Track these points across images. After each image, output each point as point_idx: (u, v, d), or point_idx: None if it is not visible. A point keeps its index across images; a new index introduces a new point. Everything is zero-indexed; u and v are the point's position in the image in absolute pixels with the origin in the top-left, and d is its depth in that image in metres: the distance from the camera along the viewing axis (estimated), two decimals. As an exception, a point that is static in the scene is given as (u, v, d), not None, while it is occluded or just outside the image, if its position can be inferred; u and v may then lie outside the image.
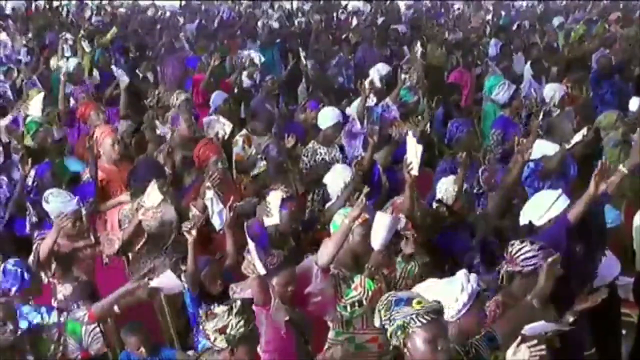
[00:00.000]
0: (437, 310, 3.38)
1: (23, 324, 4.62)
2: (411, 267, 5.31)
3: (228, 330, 3.88)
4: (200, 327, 4.04)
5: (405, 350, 3.36)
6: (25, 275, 5.05)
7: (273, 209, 5.92)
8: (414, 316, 3.32)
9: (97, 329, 4.70)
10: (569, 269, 4.57)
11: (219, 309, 3.93)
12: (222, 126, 8.01)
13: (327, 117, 8.07)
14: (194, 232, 5.29)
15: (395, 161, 7.43)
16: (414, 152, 5.49)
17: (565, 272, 4.46)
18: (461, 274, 3.90)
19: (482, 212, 6.37)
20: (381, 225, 4.95)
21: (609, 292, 4.79)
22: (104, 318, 4.91)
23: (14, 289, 4.97)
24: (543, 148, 6.91)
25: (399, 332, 3.36)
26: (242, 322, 3.90)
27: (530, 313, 4.12)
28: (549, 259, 4.32)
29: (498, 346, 3.76)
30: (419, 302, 3.36)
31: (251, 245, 4.54)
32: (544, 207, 5.21)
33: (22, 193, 6.67)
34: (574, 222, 4.90)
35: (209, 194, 5.83)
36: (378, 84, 9.54)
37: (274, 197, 5.96)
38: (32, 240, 6.02)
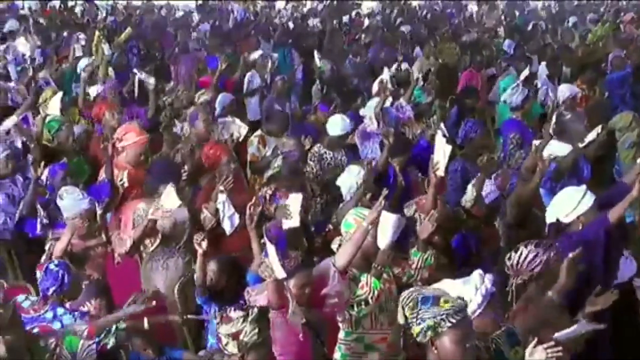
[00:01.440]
0: (464, 308, 3.39)
1: (56, 326, 4.62)
2: (428, 256, 5.26)
3: (241, 337, 3.89)
4: (211, 326, 4.04)
5: (433, 348, 3.36)
6: (66, 277, 5.03)
7: (293, 212, 5.91)
8: (444, 316, 3.32)
9: (94, 346, 4.67)
10: (600, 268, 4.55)
11: (235, 314, 3.93)
12: (238, 128, 8.03)
13: (337, 125, 8.04)
14: (204, 244, 5.26)
15: (408, 163, 7.43)
16: (442, 152, 5.47)
17: (596, 272, 4.44)
18: (476, 274, 3.90)
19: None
20: (387, 224, 4.94)
21: (629, 292, 4.76)
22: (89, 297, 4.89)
23: (52, 289, 4.96)
24: (556, 149, 6.88)
25: (429, 332, 3.35)
26: (255, 330, 3.91)
27: (551, 308, 4.11)
28: (571, 255, 4.31)
29: (518, 341, 3.76)
30: (446, 301, 3.36)
31: (270, 248, 4.51)
32: (571, 204, 5.19)
33: (34, 194, 6.67)
34: (614, 222, 4.87)
35: (222, 197, 5.83)
36: (389, 84, 9.53)
37: (294, 200, 5.95)
38: (45, 240, 6.04)
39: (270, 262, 4.47)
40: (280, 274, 4.42)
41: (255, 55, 11.81)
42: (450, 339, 3.32)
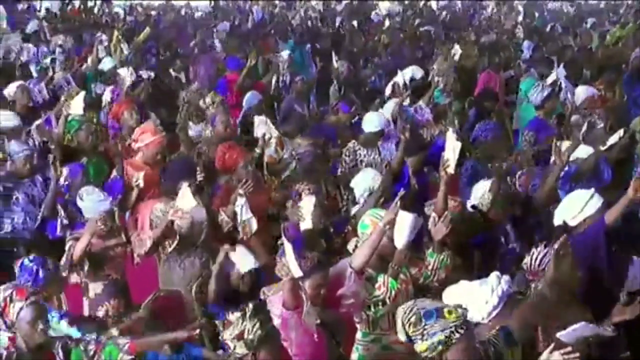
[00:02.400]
0: (466, 315, 3.37)
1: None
2: (443, 257, 5.25)
3: (245, 336, 3.88)
4: (220, 337, 4.04)
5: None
6: (40, 272, 5.04)
7: (305, 214, 5.92)
8: (453, 328, 3.32)
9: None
10: (605, 271, 4.55)
11: (233, 316, 3.93)
12: (269, 130, 8.04)
13: (373, 122, 8.05)
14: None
15: (425, 163, 7.42)
16: (452, 149, 5.47)
17: (601, 274, 4.43)
18: (493, 276, 3.90)
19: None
20: (404, 224, 4.93)
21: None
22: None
23: (27, 285, 4.90)
24: (577, 150, 6.84)
25: (439, 347, 3.33)
26: (257, 325, 3.90)
27: (542, 301, 4.10)
28: (556, 243, 4.32)
29: (515, 342, 3.74)
30: (450, 312, 3.35)
31: (288, 247, 4.52)
32: (577, 206, 5.20)
33: (54, 195, 6.70)
34: (610, 223, 4.87)
35: (240, 201, 5.83)
36: (402, 87, 9.52)
37: (307, 202, 5.96)
38: (65, 240, 6.07)
39: (287, 261, 4.49)
40: (297, 272, 4.43)
41: (280, 56, 11.87)
42: (461, 349, 3.33)
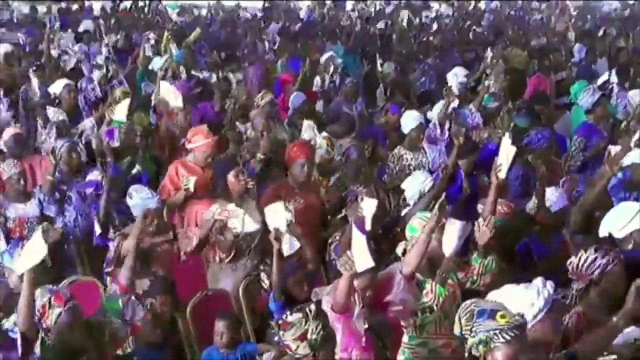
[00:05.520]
0: (520, 326, 3.35)
1: None
2: (488, 262, 5.21)
3: (309, 336, 3.88)
4: (276, 338, 4.03)
5: None
6: None
7: (367, 216, 5.86)
8: (497, 332, 3.31)
9: (134, 297, 4.73)
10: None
11: (293, 317, 3.92)
12: (315, 135, 8.06)
13: (409, 120, 8.10)
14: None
15: (475, 167, 7.37)
16: (505, 155, 5.42)
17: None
18: (538, 280, 3.86)
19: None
20: (453, 232, 4.90)
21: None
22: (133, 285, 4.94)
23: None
24: (633, 156, 6.70)
25: (480, 346, 3.35)
26: (320, 325, 3.90)
27: (614, 335, 4.04)
28: (638, 280, 4.23)
29: None
30: (502, 316, 3.34)
31: (361, 238, 4.43)
32: (625, 219, 5.11)
33: (108, 200, 6.67)
34: None
35: (288, 216, 5.78)
36: (456, 90, 9.46)
37: (369, 204, 5.91)
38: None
39: (355, 254, 4.38)
40: (369, 263, 4.36)
41: (323, 57, 11.85)
42: (503, 355, 3.31)
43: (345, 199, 6.65)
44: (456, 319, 3.45)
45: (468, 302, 3.51)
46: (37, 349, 4.34)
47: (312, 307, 3.98)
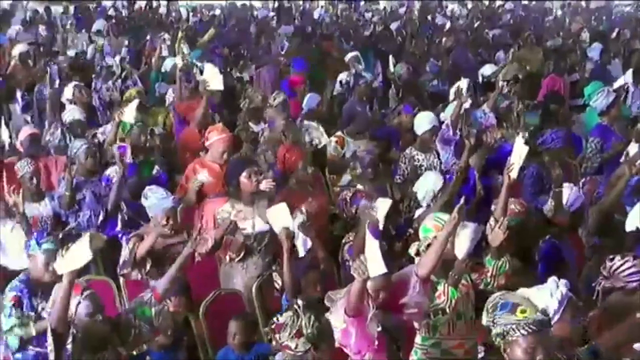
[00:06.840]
0: (540, 322, 3.36)
1: None
2: (502, 263, 5.21)
3: (305, 331, 3.88)
4: (274, 342, 4.03)
5: (505, 355, 3.39)
6: None
7: (380, 216, 5.87)
8: (514, 326, 3.34)
9: (165, 308, 4.76)
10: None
11: (284, 317, 3.92)
12: (320, 135, 8.06)
13: (423, 121, 8.09)
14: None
15: (489, 167, 7.36)
16: (518, 154, 5.42)
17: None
18: (551, 281, 3.87)
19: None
20: (464, 234, 4.89)
21: None
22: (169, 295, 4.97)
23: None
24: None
25: (498, 339, 3.41)
26: (313, 317, 3.90)
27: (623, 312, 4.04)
28: None
29: None
30: (522, 311, 3.36)
31: (374, 242, 4.39)
32: None
33: (119, 190, 6.81)
34: None
35: (301, 218, 5.78)
36: (465, 91, 9.45)
37: (383, 204, 5.91)
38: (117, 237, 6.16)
39: (369, 259, 4.34)
40: (382, 268, 4.34)
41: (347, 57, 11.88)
42: (520, 348, 3.34)
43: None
44: (484, 309, 3.50)
45: (498, 293, 3.55)
46: (69, 345, 4.38)
47: (299, 302, 3.98)
